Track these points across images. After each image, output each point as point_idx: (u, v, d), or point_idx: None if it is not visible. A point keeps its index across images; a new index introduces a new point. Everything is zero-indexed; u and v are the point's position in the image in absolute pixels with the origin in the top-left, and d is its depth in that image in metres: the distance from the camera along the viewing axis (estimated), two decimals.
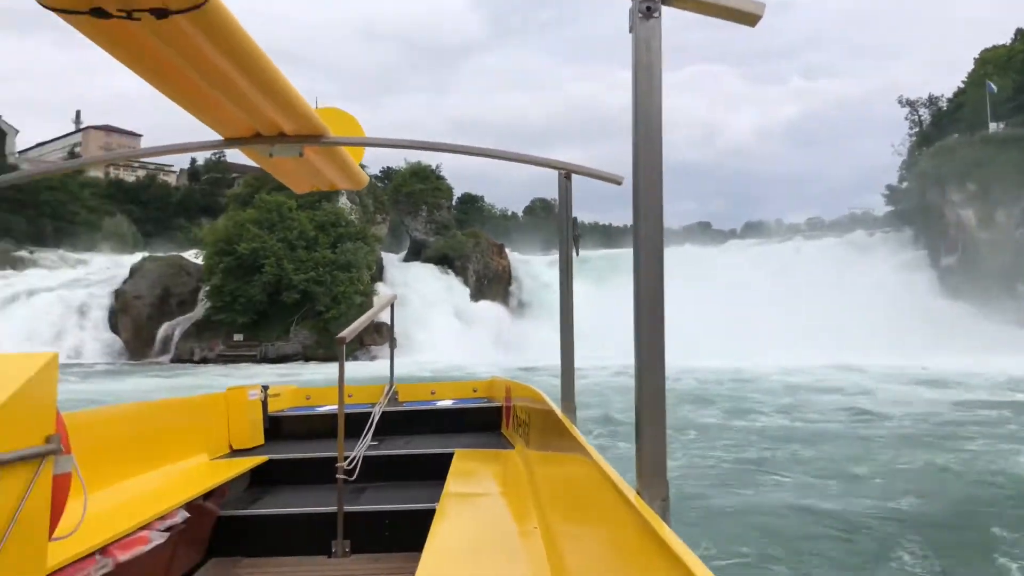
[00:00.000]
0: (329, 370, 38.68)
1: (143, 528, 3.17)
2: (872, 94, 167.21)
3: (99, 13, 1.99)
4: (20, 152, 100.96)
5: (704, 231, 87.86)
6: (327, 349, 49.53)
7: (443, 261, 61.77)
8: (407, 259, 64.22)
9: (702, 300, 44.57)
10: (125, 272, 58.06)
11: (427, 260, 62.23)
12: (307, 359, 49.76)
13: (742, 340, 42.25)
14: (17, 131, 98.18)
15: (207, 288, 53.99)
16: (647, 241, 1.78)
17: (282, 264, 51.54)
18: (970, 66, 68.65)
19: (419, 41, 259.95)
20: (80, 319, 53.15)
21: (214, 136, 3.14)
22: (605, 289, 44.49)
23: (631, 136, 1.79)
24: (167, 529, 3.33)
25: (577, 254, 3.59)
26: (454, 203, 74.02)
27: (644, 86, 1.77)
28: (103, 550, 2.86)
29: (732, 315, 47.03)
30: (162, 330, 54.71)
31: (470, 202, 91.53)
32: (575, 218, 3.63)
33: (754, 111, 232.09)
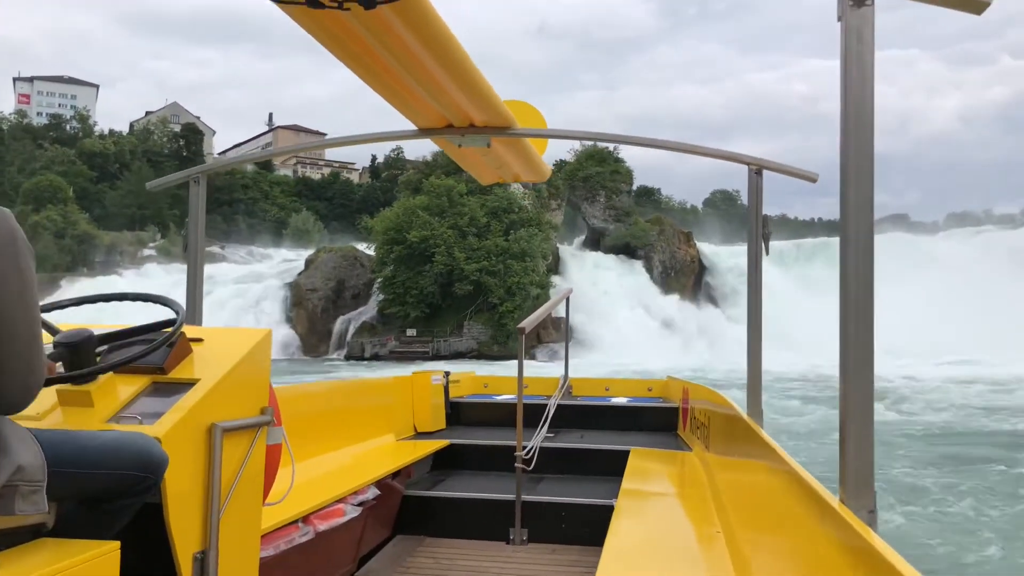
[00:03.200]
0: (504, 370, 35.27)
1: (339, 501, 3.44)
2: None
3: (314, 3, 2.25)
4: (219, 153, 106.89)
5: (898, 223, 77.90)
6: (502, 345, 46.19)
7: (624, 250, 56.52)
8: (585, 248, 59.54)
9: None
10: (301, 265, 57.43)
11: (607, 250, 57.21)
12: (481, 356, 46.47)
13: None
14: (214, 131, 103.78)
15: (380, 280, 52.01)
16: (856, 237, 1.72)
17: (453, 252, 48.57)
18: None
19: (590, 37, 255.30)
20: (257, 313, 52.67)
21: (408, 127, 3.54)
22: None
23: (839, 128, 1.75)
24: (360, 504, 3.61)
25: (767, 253, 3.54)
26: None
27: (855, 77, 1.73)
28: (305, 519, 3.10)
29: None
30: (337, 324, 53.31)
31: (646, 194, 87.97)
32: (766, 215, 3.58)
33: (957, 96, 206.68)
